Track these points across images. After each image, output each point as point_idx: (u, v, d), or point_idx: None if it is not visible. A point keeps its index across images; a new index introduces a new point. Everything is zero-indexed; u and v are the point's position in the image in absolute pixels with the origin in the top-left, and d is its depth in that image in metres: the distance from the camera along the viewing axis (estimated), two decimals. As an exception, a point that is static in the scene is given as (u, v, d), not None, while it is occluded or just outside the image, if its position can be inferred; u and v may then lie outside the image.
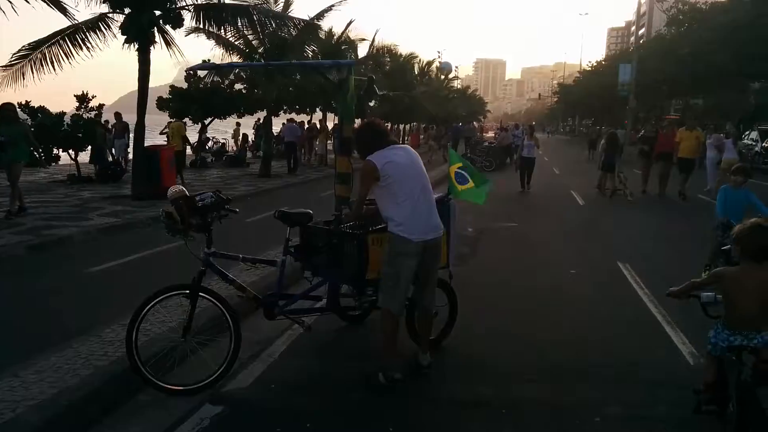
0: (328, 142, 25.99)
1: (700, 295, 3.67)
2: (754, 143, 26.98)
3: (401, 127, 45.00)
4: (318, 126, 27.15)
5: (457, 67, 62.18)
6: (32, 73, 12.25)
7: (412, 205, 4.15)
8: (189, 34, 15.40)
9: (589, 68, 74.02)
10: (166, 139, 19.07)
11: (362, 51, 29.08)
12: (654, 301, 6.29)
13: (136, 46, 12.53)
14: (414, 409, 3.96)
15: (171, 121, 21.51)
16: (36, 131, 15.40)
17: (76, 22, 12.42)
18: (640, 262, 7.84)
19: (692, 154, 15.32)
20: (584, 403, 4.01)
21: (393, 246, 4.20)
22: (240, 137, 29.12)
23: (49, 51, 12.30)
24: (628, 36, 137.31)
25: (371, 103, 30.00)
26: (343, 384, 4.30)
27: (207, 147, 25.64)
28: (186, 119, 22.00)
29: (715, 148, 16.12)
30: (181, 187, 4.32)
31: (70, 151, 16.06)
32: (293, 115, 28.34)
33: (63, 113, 16.14)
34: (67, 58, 12.34)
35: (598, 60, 75.42)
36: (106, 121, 18.85)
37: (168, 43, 13.12)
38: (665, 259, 8.35)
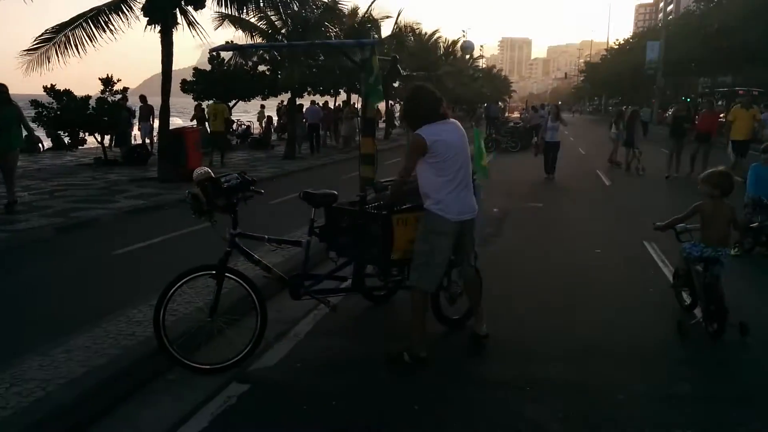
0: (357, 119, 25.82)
1: (676, 227, 5.12)
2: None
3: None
4: (341, 107, 27.00)
5: (482, 46, 61.52)
6: (57, 56, 12.39)
7: (454, 185, 4.10)
8: (217, 27, 15.39)
9: (616, 46, 72.60)
10: (194, 122, 19.22)
11: (386, 30, 28.88)
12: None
13: (159, 28, 12.58)
14: (439, 388, 3.96)
15: (199, 104, 21.66)
16: (62, 114, 15.64)
17: (98, 5, 12.51)
18: (665, 242, 7.68)
19: (748, 135, 13.69)
20: (608, 381, 3.99)
21: (429, 223, 4.15)
22: (265, 119, 29.22)
23: (73, 35, 12.42)
24: (656, 12, 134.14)
25: (395, 84, 29.89)
26: (368, 363, 4.32)
27: (232, 129, 25.77)
28: (209, 101, 22.13)
29: None
30: (206, 168, 4.34)
31: (96, 135, 16.25)
32: (317, 97, 28.35)
33: (88, 97, 16.32)
34: (91, 41, 12.47)
35: (626, 38, 73.89)
36: (129, 105, 19.04)
37: (191, 24, 13.15)
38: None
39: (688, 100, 50.12)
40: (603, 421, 3.47)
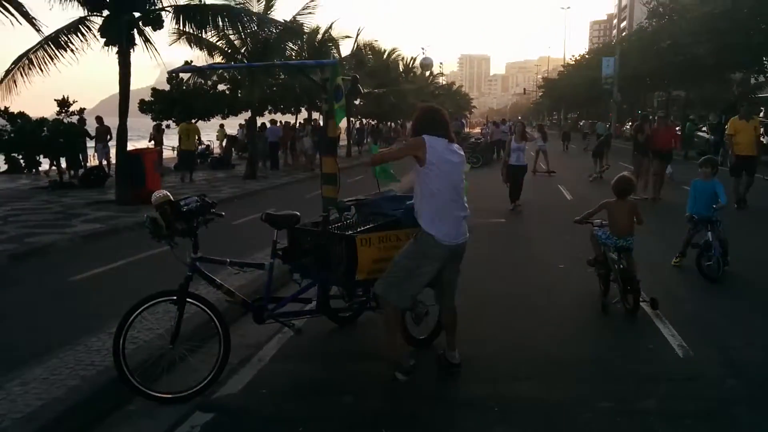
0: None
1: (593, 221, 6.26)
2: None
3: (390, 124, 44.94)
4: (303, 125, 26.89)
5: (441, 63, 62.30)
6: (23, 77, 12.18)
7: (445, 203, 4.07)
8: (173, 43, 15.26)
9: (573, 62, 74.38)
10: (152, 143, 19.00)
11: (346, 49, 29.01)
12: (643, 295, 6.29)
13: (116, 49, 12.41)
14: (407, 409, 3.92)
15: (158, 124, 21.44)
16: (16, 137, 15.23)
17: (47, 34, 12.31)
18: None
19: (752, 149, 12.02)
20: (575, 398, 4.00)
21: (422, 244, 4.08)
22: (225, 138, 28.96)
23: (36, 56, 12.19)
24: (611, 29, 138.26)
25: (356, 102, 30.01)
26: (334, 387, 4.26)
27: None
28: (168, 121, 21.91)
29: None
30: (165, 192, 4.25)
31: (52, 158, 15.87)
32: (278, 115, 28.26)
33: (43, 119, 15.93)
34: (52, 60, 12.21)
35: (582, 53, 75.81)
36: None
37: (148, 45, 12.99)
38: (651, 250, 8.35)
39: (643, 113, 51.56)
40: (571, 438, 3.48)
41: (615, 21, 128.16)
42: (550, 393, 4.11)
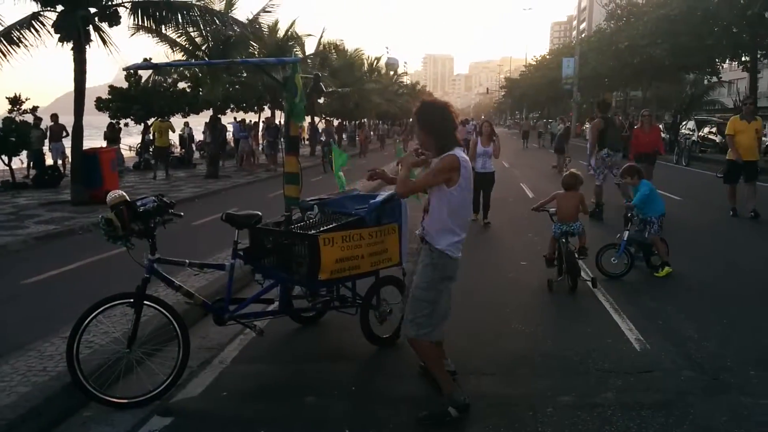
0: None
1: (549, 210, 6.94)
2: (690, 133, 27.98)
3: (354, 123, 44.85)
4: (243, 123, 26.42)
5: (405, 63, 62.47)
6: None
7: (464, 217, 3.77)
8: (134, 34, 14.92)
9: (534, 62, 75.38)
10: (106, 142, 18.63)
11: (310, 47, 28.88)
12: (602, 290, 6.42)
13: (71, 45, 12.07)
14: (370, 409, 3.90)
15: (112, 123, 21.00)
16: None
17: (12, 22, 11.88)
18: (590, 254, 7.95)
19: (753, 153, 10.80)
20: (538, 393, 4.04)
21: (443, 269, 3.69)
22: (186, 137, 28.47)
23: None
24: (571, 30, 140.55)
25: (320, 100, 29.85)
26: (297, 388, 4.21)
27: (150, 148, 25.00)
28: (127, 120, 21.46)
29: None
30: (121, 192, 4.14)
31: (3, 157, 15.33)
32: (239, 114, 27.96)
33: (-7, 116, 15.41)
34: (5, 57, 11.77)
35: (543, 54, 76.85)
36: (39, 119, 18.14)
37: (105, 41, 12.66)
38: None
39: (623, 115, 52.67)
40: (533, 434, 3.51)
41: (575, 22, 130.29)
42: (514, 388, 4.15)
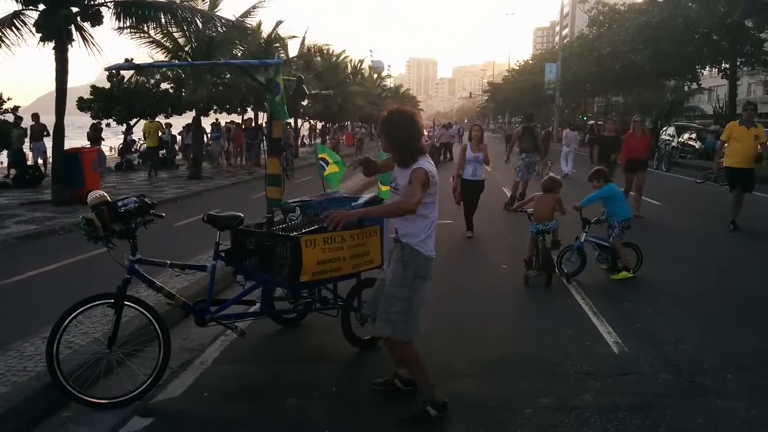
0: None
1: (527, 210, 7.34)
2: (670, 138, 28.37)
3: (335, 125, 44.87)
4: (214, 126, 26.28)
5: (389, 66, 62.53)
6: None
7: (434, 220, 3.84)
8: (121, 32, 14.79)
9: (518, 67, 75.90)
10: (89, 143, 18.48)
11: (293, 50, 28.83)
12: (581, 293, 6.50)
13: (53, 45, 11.96)
14: (352, 410, 3.92)
15: (95, 124, 20.87)
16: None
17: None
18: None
19: (750, 162, 10.06)
20: (517, 395, 4.09)
21: (417, 268, 3.71)
22: (169, 138, 28.28)
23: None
24: (553, 36, 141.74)
25: (304, 103, 29.77)
26: (278, 389, 4.22)
27: (132, 149, 24.83)
28: (109, 120, 21.30)
29: None
30: (101, 192, 4.13)
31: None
32: (223, 116, 27.84)
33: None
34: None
35: (526, 59, 77.43)
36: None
37: (87, 41, 12.56)
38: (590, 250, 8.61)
39: (584, 118, 53.17)
40: (511, 434, 3.56)
41: (558, 28, 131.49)
42: (494, 390, 4.19)
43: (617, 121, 15.07)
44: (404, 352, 3.75)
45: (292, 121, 32.11)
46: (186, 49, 17.69)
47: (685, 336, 5.21)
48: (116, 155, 26.08)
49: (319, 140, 30.60)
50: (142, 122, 22.76)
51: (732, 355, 4.84)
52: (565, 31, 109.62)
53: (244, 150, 23.72)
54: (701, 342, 5.10)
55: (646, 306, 6.09)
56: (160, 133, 20.92)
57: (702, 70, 32.50)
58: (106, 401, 3.87)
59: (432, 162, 3.79)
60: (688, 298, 6.48)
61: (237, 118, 30.26)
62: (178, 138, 27.88)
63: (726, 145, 10.30)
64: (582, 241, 7.18)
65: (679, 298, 6.45)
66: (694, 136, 28.02)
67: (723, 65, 29.20)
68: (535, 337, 5.29)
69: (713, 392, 4.15)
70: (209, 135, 25.19)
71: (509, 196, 12.99)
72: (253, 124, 24.29)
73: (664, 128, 29.98)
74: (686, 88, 36.24)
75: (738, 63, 28.04)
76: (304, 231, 4.62)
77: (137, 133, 25.03)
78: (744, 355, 4.85)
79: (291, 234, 4.57)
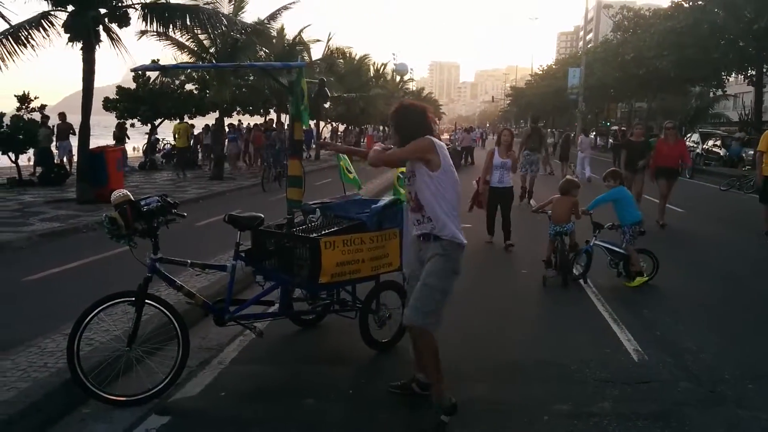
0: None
1: (547, 212, 7.48)
2: (695, 145, 28.00)
3: (356, 128, 45.01)
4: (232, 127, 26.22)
5: (412, 69, 62.52)
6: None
7: (457, 209, 3.73)
8: (140, 37, 15.06)
9: (541, 72, 75.42)
10: (114, 142, 18.75)
11: (317, 53, 28.98)
12: (601, 299, 6.44)
13: (81, 45, 12.16)
14: (365, 412, 3.92)
15: (121, 123, 21.18)
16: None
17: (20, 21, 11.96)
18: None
19: None
20: (534, 401, 4.06)
21: (454, 257, 3.66)
22: (192, 139, 28.55)
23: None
24: (577, 41, 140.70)
25: (326, 105, 29.88)
26: (295, 390, 4.23)
27: (157, 149, 25.12)
28: (134, 120, 21.59)
29: None
30: (125, 191, 4.19)
31: (10, 154, 15.43)
32: (245, 117, 28.08)
33: (2, 114, 15.49)
34: (11, 56, 11.83)
35: (549, 64, 76.93)
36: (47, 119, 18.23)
37: (114, 42, 12.76)
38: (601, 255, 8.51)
39: (608, 123, 52.66)
40: (528, 441, 3.53)
41: (581, 33, 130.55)
42: (509, 395, 4.16)
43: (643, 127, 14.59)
44: (429, 344, 3.67)
45: (313, 123, 32.29)
46: (211, 50, 17.88)
47: (706, 345, 5.13)
48: (141, 155, 26.40)
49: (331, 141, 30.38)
50: (167, 122, 23.05)
51: (753, 364, 4.77)
52: (589, 36, 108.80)
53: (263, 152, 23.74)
54: (722, 351, 5.02)
55: (666, 314, 6.02)
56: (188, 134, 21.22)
57: (728, 77, 32.01)
58: (124, 399, 3.90)
59: (444, 146, 3.72)
60: (709, 306, 6.39)
61: (260, 120, 30.48)
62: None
63: (764, 155, 9.82)
64: (592, 244, 7.19)
65: (700, 306, 6.36)
66: (719, 143, 27.63)
67: (749, 71, 28.73)
68: (553, 342, 5.24)
69: (734, 402, 4.09)
70: (227, 136, 25.31)
71: (521, 187, 13.92)
72: (274, 126, 24.35)
73: (689, 135, 29.59)
74: (711, 95, 35.74)
75: (765, 69, 27.57)
76: (324, 232, 4.63)
77: (161, 133, 25.32)
78: (765, 364, 4.77)
79: (311, 235, 4.59)
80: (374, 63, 44.37)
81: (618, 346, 5.11)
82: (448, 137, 40.79)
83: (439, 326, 3.70)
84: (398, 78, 51.23)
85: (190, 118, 23.41)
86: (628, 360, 4.81)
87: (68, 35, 12.07)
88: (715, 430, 3.68)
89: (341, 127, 45.07)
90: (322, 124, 33.51)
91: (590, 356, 4.84)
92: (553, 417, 3.83)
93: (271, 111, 29.14)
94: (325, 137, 32.25)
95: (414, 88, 70.90)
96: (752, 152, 12.86)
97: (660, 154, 11.32)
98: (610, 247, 7.22)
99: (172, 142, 27.97)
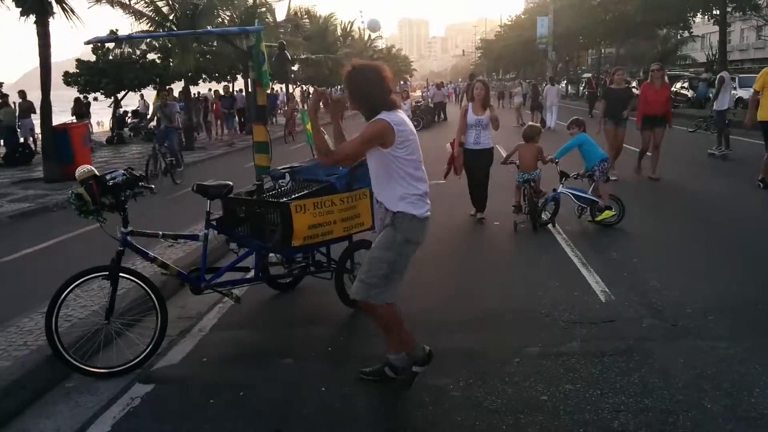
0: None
1: (516, 162, 7.66)
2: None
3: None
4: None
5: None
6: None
7: (419, 179, 3.53)
8: (92, 5, 14.65)
9: (510, 22, 74.76)
10: (74, 118, 18.34)
11: (281, 14, 28.41)
12: (571, 245, 6.61)
13: (34, 19, 11.81)
14: (345, 368, 4.03)
15: (79, 98, 20.68)
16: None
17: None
18: (561, 211, 8.09)
19: None
20: (505, 346, 4.20)
21: (406, 232, 3.48)
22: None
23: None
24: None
25: (294, 68, 29.46)
26: (275, 352, 4.33)
27: (126, 121, 24.65)
28: (96, 94, 21.10)
29: None
30: (89, 166, 4.17)
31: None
32: (212, 85, 27.59)
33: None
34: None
35: (518, 14, 76.19)
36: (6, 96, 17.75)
37: (67, 13, 12.39)
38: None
39: (580, 71, 52.63)
40: (499, 383, 3.68)
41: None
42: (482, 342, 4.30)
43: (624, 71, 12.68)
44: (380, 314, 3.55)
45: (282, 86, 31.81)
46: (170, 18, 17.45)
47: (671, 283, 5.32)
48: (107, 130, 25.91)
49: (300, 107, 30.00)
50: (132, 94, 22.59)
51: (715, 297, 4.97)
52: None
53: (223, 120, 23.38)
54: (686, 287, 5.21)
55: (634, 256, 6.20)
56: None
57: (693, 18, 32.11)
58: (107, 370, 3.98)
59: (404, 115, 3.51)
60: (677, 247, 6.59)
61: (229, 87, 29.99)
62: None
63: (761, 97, 9.05)
64: (558, 192, 7.43)
65: (668, 248, 6.55)
66: (686, 85, 27.87)
67: (714, 11, 28.83)
68: (525, 290, 5.39)
69: (694, 334, 4.28)
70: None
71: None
72: (229, 92, 23.88)
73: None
74: (678, 37, 35.87)
75: (729, 9, 27.69)
76: (294, 196, 4.68)
77: (126, 106, 24.80)
78: (727, 298, 4.97)
79: (281, 200, 4.63)
80: (341, 22, 43.66)
81: (586, 288, 5.28)
82: (421, 94, 40.59)
83: (386, 297, 3.50)
84: (367, 36, 50.53)
85: (154, 88, 22.95)
86: (595, 301, 4.99)
87: (20, 9, 11.71)
88: (676, 361, 3.86)
89: (311, 90, 44.55)
90: (291, 87, 33.04)
91: (560, 300, 5.01)
92: (524, 359, 3.99)
93: (238, 77, 28.68)
94: (296, 100, 31.90)
95: (383, 46, 69.97)
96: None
97: (646, 101, 10.40)
98: (576, 193, 7.38)
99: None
